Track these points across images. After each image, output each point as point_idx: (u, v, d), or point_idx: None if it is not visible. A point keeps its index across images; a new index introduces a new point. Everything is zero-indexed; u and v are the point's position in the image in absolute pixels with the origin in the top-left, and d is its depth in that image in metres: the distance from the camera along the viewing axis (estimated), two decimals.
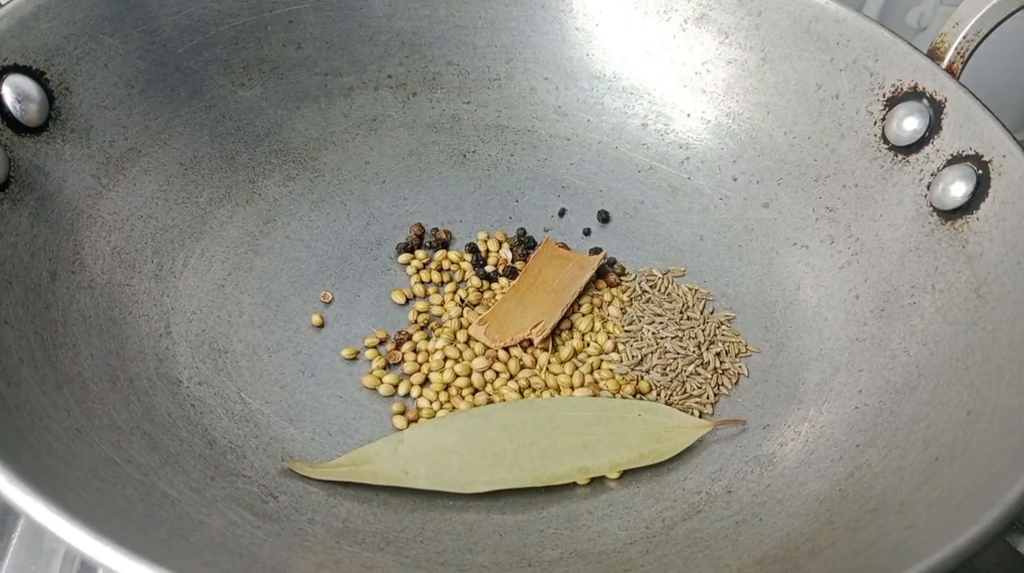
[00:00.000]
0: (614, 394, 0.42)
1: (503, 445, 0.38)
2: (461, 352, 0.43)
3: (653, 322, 0.45)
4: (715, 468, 0.40)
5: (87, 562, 0.29)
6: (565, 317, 0.45)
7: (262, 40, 0.48)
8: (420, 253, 0.48)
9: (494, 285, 0.47)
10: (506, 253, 0.48)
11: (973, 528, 0.29)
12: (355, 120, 0.51)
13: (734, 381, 0.43)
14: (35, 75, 0.39)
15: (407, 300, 0.46)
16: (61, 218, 0.40)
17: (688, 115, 0.51)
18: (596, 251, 0.48)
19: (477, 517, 0.38)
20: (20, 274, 0.37)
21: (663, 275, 0.47)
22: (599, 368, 0.44)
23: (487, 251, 0.48)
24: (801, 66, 0.47)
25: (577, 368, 0.43)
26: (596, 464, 0.39)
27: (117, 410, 0.36)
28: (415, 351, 0.44)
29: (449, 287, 0.46)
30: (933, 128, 0.42)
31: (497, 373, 0.43)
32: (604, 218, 0.50)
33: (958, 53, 0.43)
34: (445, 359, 0.43)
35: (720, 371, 0.44)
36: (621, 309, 0.46)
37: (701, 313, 0.46)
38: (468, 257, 0.48)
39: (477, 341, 0.44)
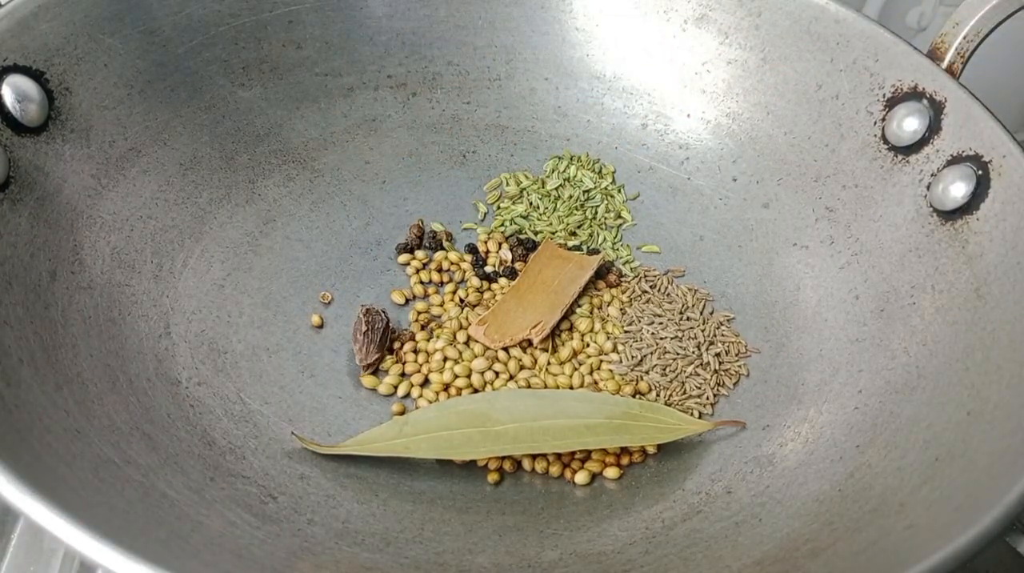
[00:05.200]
0: (614, 394, 0.42)
1: (505, 424, 0.38)
2: (461, 353, 0.43)
3: (653, 322, 0.45)
4: (715, 468, 0.40)
5: (86, 562, 0.29)
6: (565, 317, 0.45)
7: (262, 40, 0.48)
8: (420, 253, 0.48)
9: (494, 285, 0.47)
10: (506, 253, 0.48)
11: (973, 528, 0.29)
12: (355, 120, 0.51)
13: (734, 381, 0.43)
14: (35, 75, 0.39)
15: (407, 300, 0.46)
16: (61, 218, 0.40)
17: (688, 115, 0.51)
18: (595, 252, 0.48)
19: (477, 518, 0.38)
20: (20, 274, 0.37)
21: (663, 275, 0.47)
22: (598, 369, 0.44)
23: (487, 251, 0.48)
24: (801, 66, 0.47)
25: (576, 369, 0.43)
26: (597, 440, 0.39)
27: (116, 411, 0.36)
28: (415, 351, 0.44)
29: (449, 287, 0.46)
30: (933, 128, 0.42)
31: (497, 373, 0.43)
32: None
33: (958, 53, 0.43)
34: (445, 359, 0.43)
35: (720, 372, 0.44)
36: (621, 309, 0.46)
37: (701, 313, 0.46)
38: (468, 257, 0.48)
39: (477, 341, 0.44)
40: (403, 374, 0.43)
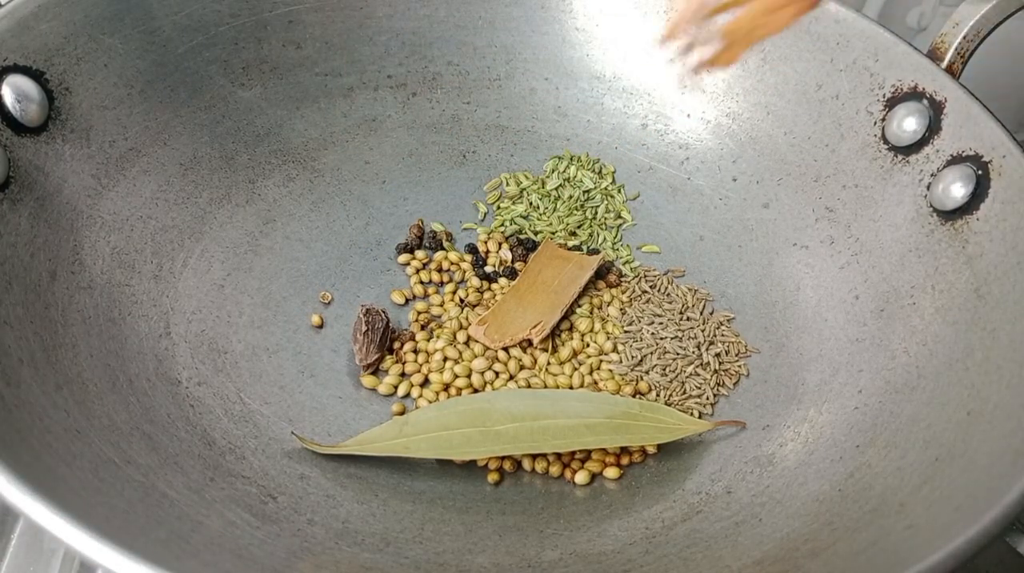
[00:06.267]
0: (614, 394, 0.42)
1: (505, 424, 0.38)
2: (461, 353, 0.43)
3: (653, 322, 0.45)
4: (715, 468, 0.40)
5: (86, 562, 0.29)
6: (565, 317, 0.45)
7: (262, 40, 0.48)
8: (420, 253, 0.48)
9: (494, 285, 0.47)
10: (506, 253, 0.48)
11: (973, 528, 0.29)
12: (355, 120, 0.51)
13: (734, 381, 0.43)
14: (35, 75, 0.39)
15: (407, 300, 0.46)
16: (61, 218, 0.40)
17: (688, 115, 0.51)
18: (595, 252, 0.48)
19: (477, 518, 0.38)
20: (20, 274, 0.37)
21: (663, 275, 0.47)
22: (598, 369, 0.44)
23: (487, 251, 0.48)
24: (801, 66, 0.47)
25: (576, 369, 0.43)
26: (597, 440, 0.39)
27: (116, 411, 0.36)
28: (415, 351, 0.44)
29: (449, 287, 0.46)
30: (933, 128, 0.42)
31: (497, 373, 0.43)
32: None
33: (958, 53, 0.43)
34: (445, 359, 0.43)
35: (720, 372, 0.44)
36: (621, 309, 0.46)
37: (701, 313, 0.46)
38: (468, 257, 0.48)
39: (477, 341, 0.44)
40: (403, 374, 0.43)
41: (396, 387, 0.42)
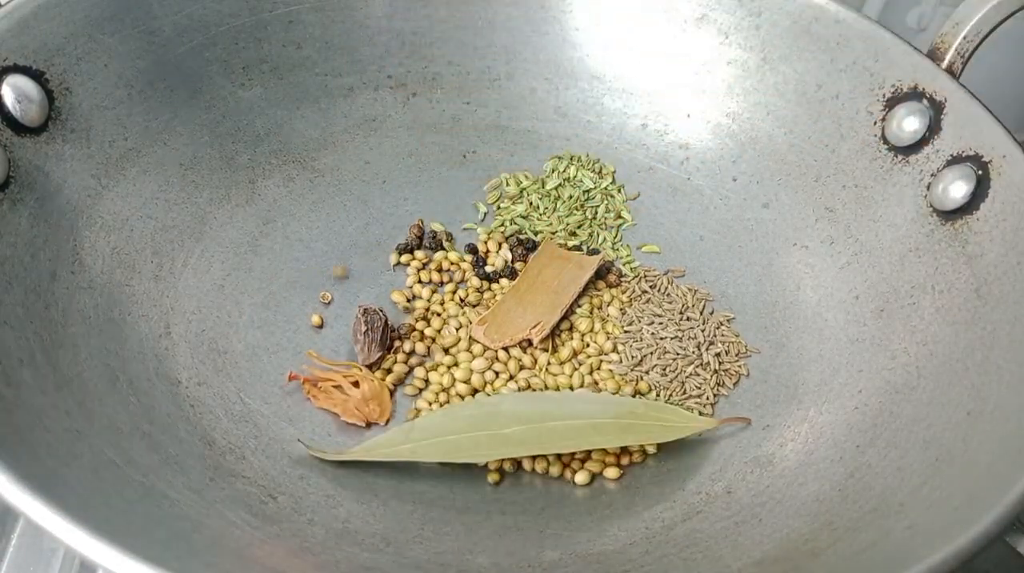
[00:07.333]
0: (614, 394, 0.42)
1: (513, 426, 0.38)
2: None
3: (653, 322, 0.45)
4: (715, 469, 0.40)
5: (86, 562, 0.29)
6: (565, 317, 0.45)
7: (262, 40, 0.48)
8: (420, 253, 0.48)
9: (494, 285, 0.47)
10: (506, 253, 0.48)
11: (973, 528, 0.29)
12: (355, 120, 0.51)
13: (734, 381, 0.43)
14: (35, 75, 0.39)
15: (407, 300, 0.46)
16: (61, 218, 0.40)
17: (688, 115, 0.51)
18: (595, 252, 0.48)
19: (477, 518, 0.38)
20: (20, 274, 0.37)
21: (663, 275, 0.47)
22: (599, 369, 0.44)
23: (487, 251, 0.48)
24: (801, 66, 0.47)
25: (576, 369, 0.43)
26: (604, 440, 0.38)
27: (116, 411, 0.36)
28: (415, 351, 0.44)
29: (449, 287, 0.46)
30: (933, 128, 0.42)
31: (497, 374, 0.43)
32: None
33: (958, 53, 0.43)
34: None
35: (720, 372, 0.44)
36: (621, 309, 0.46)
37: (701, 313, 0.46)
38: (468, 257, 0.48)
39: (477, 341, 0.44)
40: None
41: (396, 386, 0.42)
